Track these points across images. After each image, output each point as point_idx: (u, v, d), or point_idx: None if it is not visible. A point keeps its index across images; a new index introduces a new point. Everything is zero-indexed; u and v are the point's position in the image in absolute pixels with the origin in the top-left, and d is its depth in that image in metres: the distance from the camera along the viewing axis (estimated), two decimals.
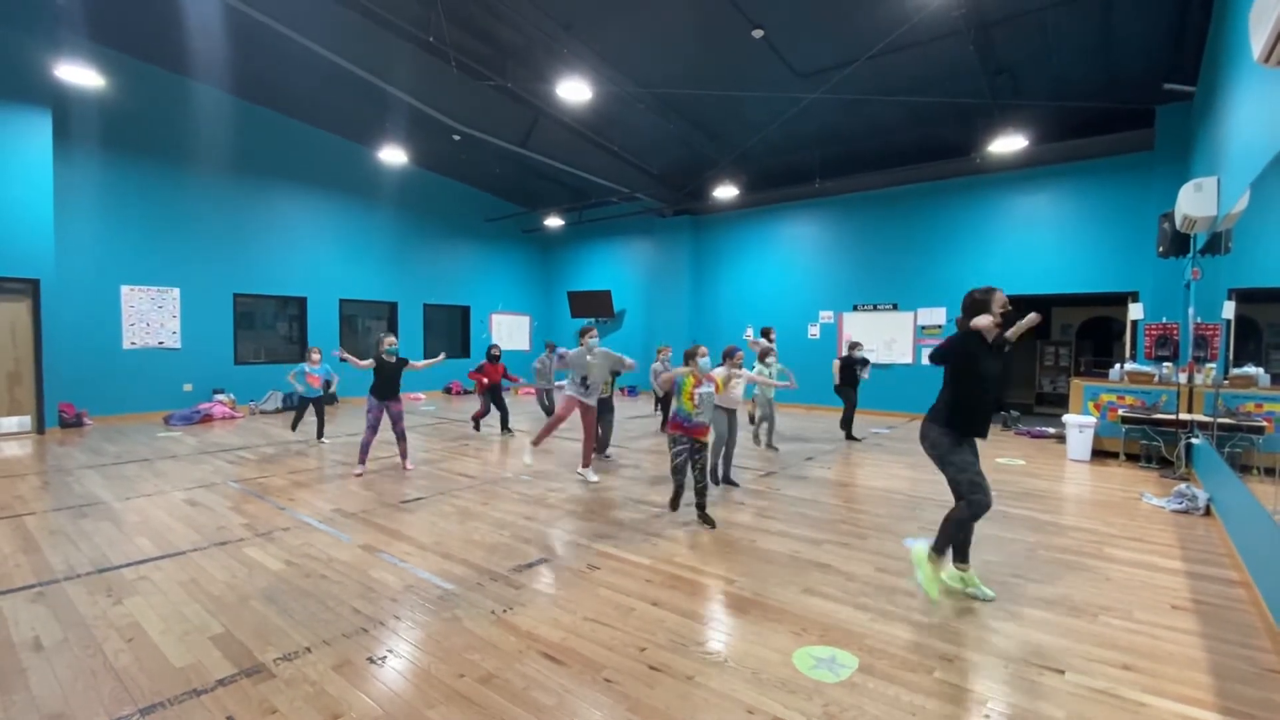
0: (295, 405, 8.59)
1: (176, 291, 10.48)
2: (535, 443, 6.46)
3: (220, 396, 10.73)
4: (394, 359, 6.62)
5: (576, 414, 6.45)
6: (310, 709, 2.40)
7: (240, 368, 11.31)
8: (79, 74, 7.82)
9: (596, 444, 7.10)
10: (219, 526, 4.69)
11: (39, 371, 8.65)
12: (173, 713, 2.38)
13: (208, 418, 10.09)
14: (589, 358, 6.24)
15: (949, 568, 3.50)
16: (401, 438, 6.68)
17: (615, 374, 7.19)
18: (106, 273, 9.74)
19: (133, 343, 10.04)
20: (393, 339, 6.71)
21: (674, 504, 5.11)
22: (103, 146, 9.68)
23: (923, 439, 3.50)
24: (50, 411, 8.79)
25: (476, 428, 9.31)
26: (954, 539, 3.32)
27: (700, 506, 4.84)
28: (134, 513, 5.03)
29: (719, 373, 5.60)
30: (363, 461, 6.53)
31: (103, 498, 5.47)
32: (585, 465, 6.33)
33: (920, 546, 3.37)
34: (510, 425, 9.34)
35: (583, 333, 6.37)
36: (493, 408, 9.19)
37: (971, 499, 3.20)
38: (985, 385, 3.30)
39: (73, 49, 8.56)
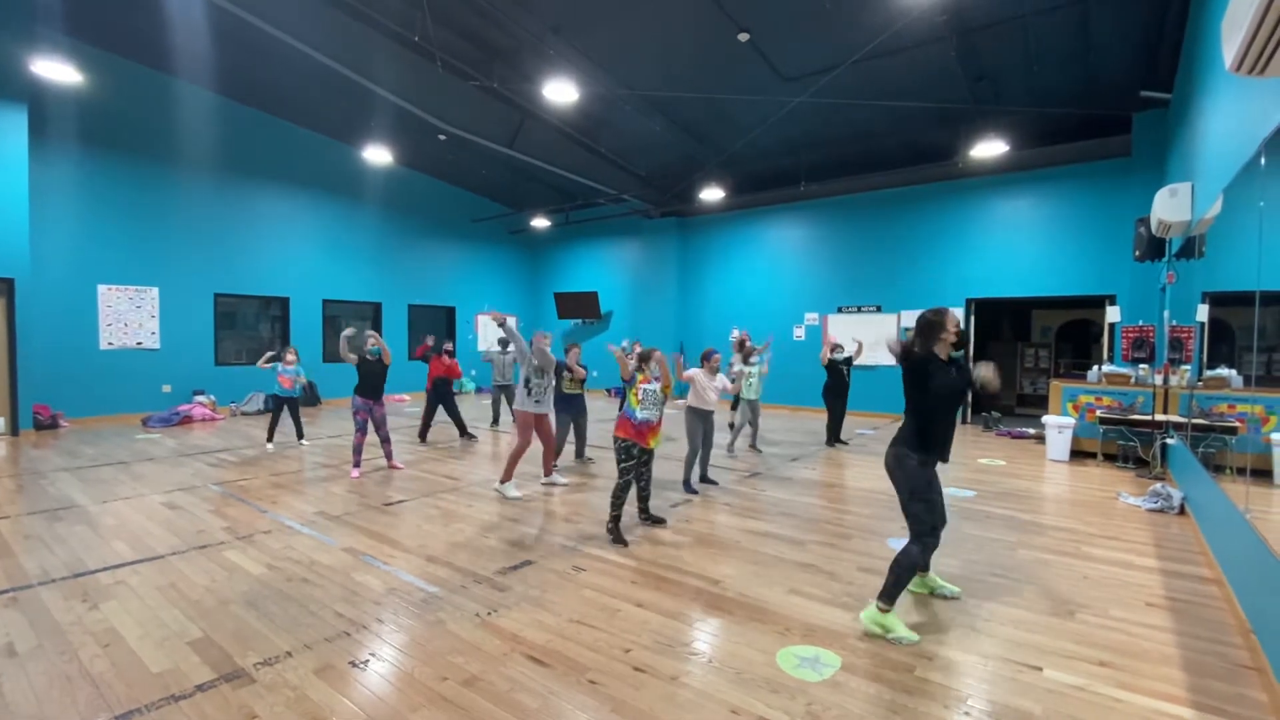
0: (270, 409, 7.95)
1: (155, 291, 10.32)
2: (504, 480, 5.67)
3: (200, 398, 10.57)
4: (377, 358, 6.58)
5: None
6: (291, 714, 2.38)
7: (221, 369, 11.15)
8: (56, 70, 7.67)
9: (576, 448, 7.21)
10: (199, 530, 4.63)
11: (13, 372, 8.47)
12: (150, 719, 2.34)
13: (187, 419, 9.94)
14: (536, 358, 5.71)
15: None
16: (386, 440, 6.69)
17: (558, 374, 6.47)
18: (83, 272, 9.56)
19: (110, 343, 9.87)
20: (377, 336, 6.67)
21: (616, 530, 4.41)
22: (81, 143, 9.51)
23: (894, 469, 3.19)
24: (25, 413, 8.61)
25: (423, 438, 8.54)
26: (906, 584, 3.06)
27: (644, 511, 4.83)
28: (111, 516, 4.95)
29: (698, 374, 5.70)
30: (358, 464, 6.50)
31: (79, 501, 5.37)
32: (549, 473, 6.10)
33: (869, 612, 3.05)
34: (470, 430, 8.93)
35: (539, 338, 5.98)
36: (439, 412, 8.65)
37: (927, 542, 3.10)
38: (951, 404, 3.15)
39: (50, 44, 8.41)
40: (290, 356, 7.94)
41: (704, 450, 6.05)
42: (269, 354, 7.95)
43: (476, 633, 3.06)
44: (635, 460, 4.51)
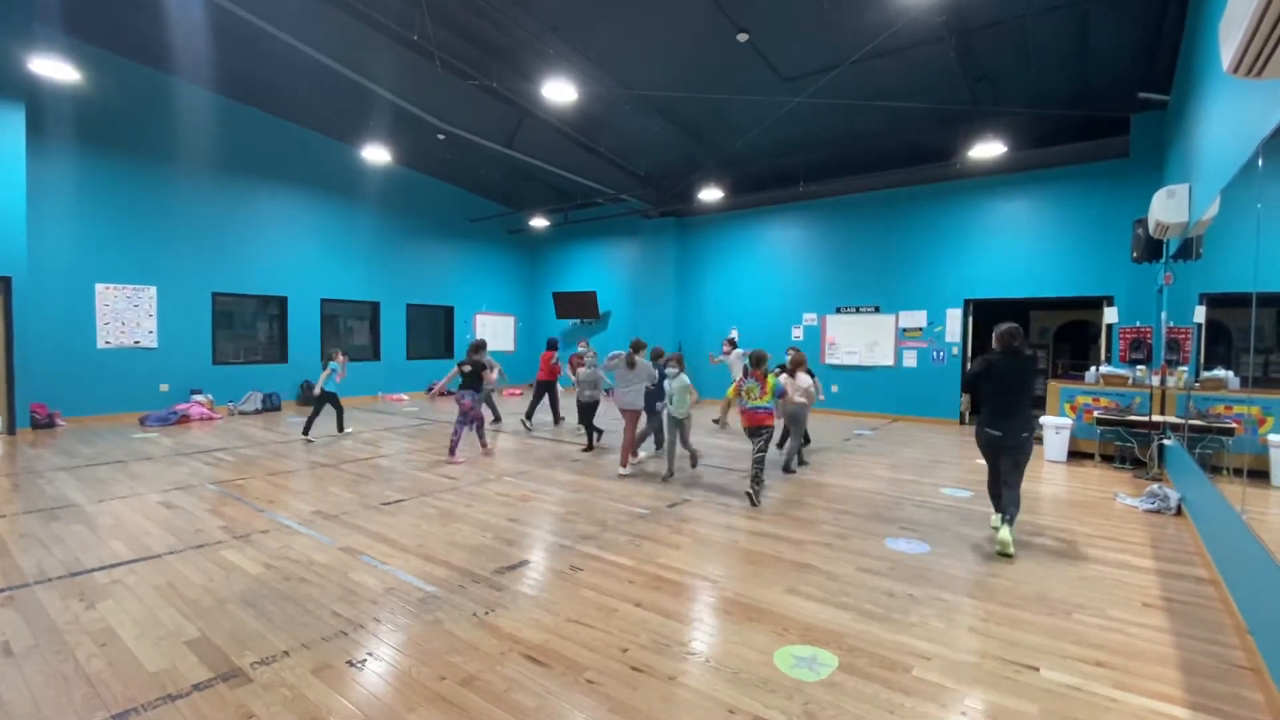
0: (313, 402, 8.88)
1: (153, 290, 10.29)
2: (624, 464, 6.75)
3: (198, 397, 10.55)
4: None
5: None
6: (288, 714, 2.38)
7: (219, 368, 11.13)
8: (54, 68, 7.66)
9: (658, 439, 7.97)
10: (196, 529, 4.62)
11: (10, 371, 8.44)
12: (146, 718, 2.34)
13: (185, 419, 9.92)
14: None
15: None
16: (480, 421, 7.71)
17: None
18: (81, 270, 9.53)
19: (107, 342, 9.84)
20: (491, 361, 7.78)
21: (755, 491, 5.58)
22: (79, 142, 9.48)
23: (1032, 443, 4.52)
24: (22, 412, 8.58)
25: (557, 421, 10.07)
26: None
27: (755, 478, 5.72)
28: (108, 515, 4.94)
29: (787, 381, 6.82)
30: (454, 450, 7.34)
31: (75, 500, 5.36)
32: (625, 463, 6.82)
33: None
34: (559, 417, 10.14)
35: (639, 349, 7.36)
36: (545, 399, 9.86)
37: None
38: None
39: (47, 42, 8.38)
40: (341, 357, 8.85)
41: (794, 440, 6.98)
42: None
43: (474, 632, 3.06)
44: (761, 438, 5.61)
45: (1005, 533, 4.24)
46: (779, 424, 6.64)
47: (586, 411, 8.05)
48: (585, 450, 7.93)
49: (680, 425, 6.49)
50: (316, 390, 8.55)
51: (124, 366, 10.00)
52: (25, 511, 5.01)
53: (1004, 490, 4.45)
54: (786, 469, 6.81)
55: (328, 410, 8.68)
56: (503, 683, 2.61)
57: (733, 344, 9.69)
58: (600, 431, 8.30)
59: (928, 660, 2.82)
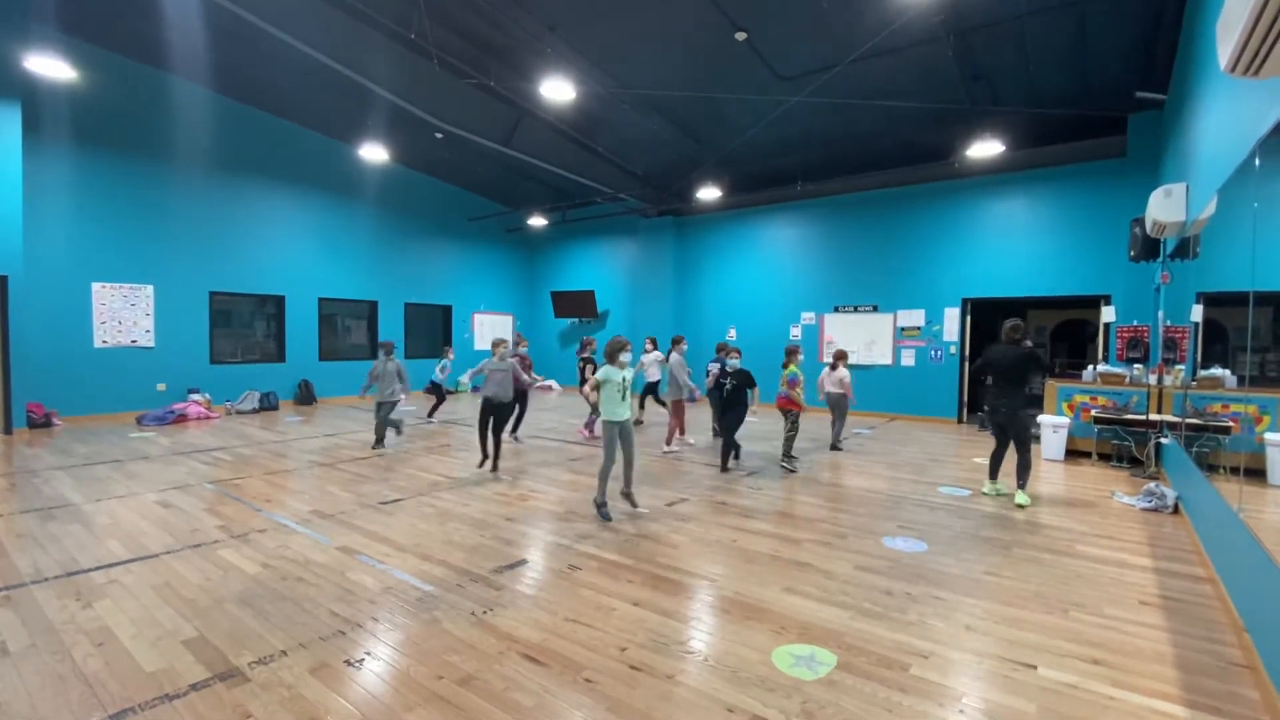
0: (436, 394, 10.40)
1: (150, 289, 10.27)
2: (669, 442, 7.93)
3: (195, 396, 10.53)
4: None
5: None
6: (286, 713, 2.37)
7: (216, 367, 11.11)
8: (50, 66, 7.63)
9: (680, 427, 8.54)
10: (193, 529, 4.61)
11: (6, 370, 8.41)
12: (143, 718, 2.33)
13: (182, 418, 9.89)
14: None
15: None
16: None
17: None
18: (78, 269, 9.51)
19: (104, 341, 9.81)
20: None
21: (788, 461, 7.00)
22: (75, 140, 9.45)
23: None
24: (18, 411, 8.56)
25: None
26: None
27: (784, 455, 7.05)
28: (105, 515, 4.92)
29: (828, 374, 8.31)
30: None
31: (72, 500, 5.34)
32: (669, 442, 7.93)
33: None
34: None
35: (677, 341, 8.23)
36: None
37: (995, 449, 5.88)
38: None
39: (43, 40, 8.35)
40: (451, 354, 10.34)
41: (840, 425, 8.31)
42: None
43: (472, 631, 3.05)
44: (788, 419, 7.02)
45: (1021, 497, 5.45)
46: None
47: (495, 413, 6.43)
48: (480, 466, 6.54)
49: (624, 437, 4.96)
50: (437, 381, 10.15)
51: (121, 366, 9.97)
52: (22, 511, 5.00)
53: (1018, 461, 5.52)
54: (834, 447, 8.13)
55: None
56: (501, 682, 2.61)
57: (654, 343, 10.20)
58: (498, 445, 6.52)
59: (926, 659, 2.82)
